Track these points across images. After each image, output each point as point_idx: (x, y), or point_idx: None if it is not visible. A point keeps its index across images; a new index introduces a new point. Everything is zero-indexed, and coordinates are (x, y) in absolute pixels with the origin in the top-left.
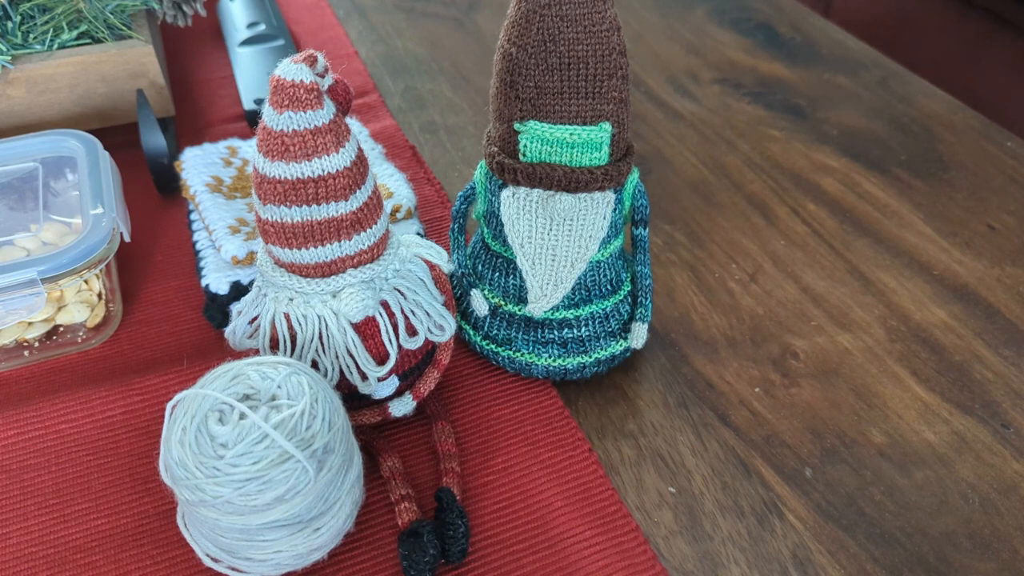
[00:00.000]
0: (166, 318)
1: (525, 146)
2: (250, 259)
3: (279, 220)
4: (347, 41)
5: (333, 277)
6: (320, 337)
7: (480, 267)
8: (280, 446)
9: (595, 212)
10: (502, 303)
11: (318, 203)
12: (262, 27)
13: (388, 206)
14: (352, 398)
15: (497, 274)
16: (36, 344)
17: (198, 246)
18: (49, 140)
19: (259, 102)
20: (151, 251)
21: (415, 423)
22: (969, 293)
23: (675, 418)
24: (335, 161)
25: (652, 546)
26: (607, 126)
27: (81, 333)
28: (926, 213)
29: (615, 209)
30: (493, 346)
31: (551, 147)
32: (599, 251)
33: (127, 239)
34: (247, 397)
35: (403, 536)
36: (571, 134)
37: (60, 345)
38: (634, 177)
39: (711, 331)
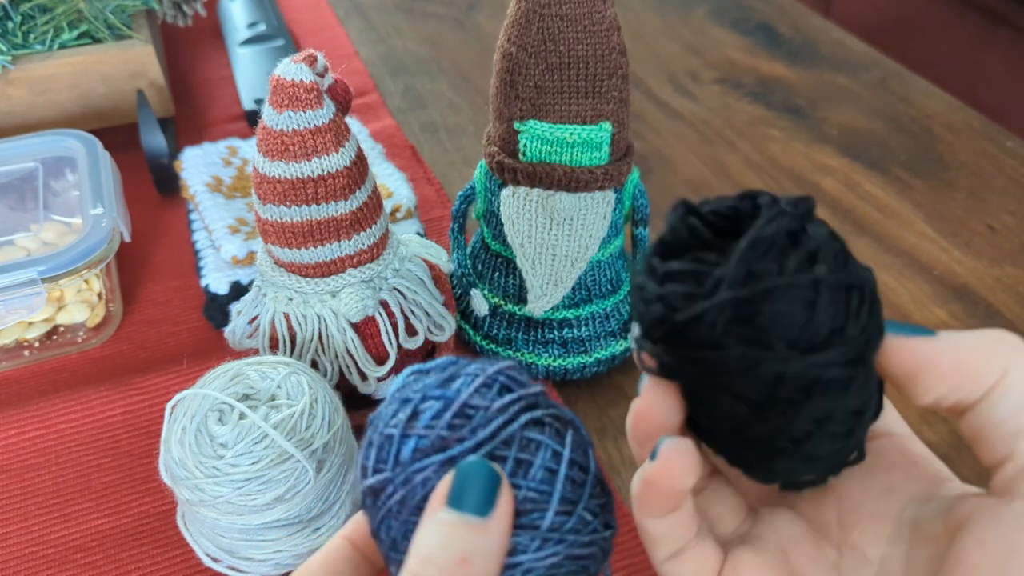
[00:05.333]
0: (166, 318)
1: (525, 146)
2: (250, 259)
3: (279, 220)
4: (347, 41)
5: (333, 277)
6: (320, 337)
7: (480, 267)
8: (280, 446)
9: (595, 212)
10: (502, 303)
11: (318, 203)
12: (262, 27)
13: (388, 206)
14: (352, 398)
15: (497, 274)
16: (36, 344)
17: (198, 246)
18: (49, 140)
19: (259, 102)
20: (151, 251)
21: None
22: (969, 293)
23: None
24: (335, 161)
25: None
26: (607, 126)
27: (81, 333)
28: (926, 213)
29: (615, 209)
30: (493, 346)
31: (551, 147)
32: (599, 251)
33: (127, 239)
34: (247, 397)
35: None
36: (571, 134)
37: (60, 345)
38: (634, 177)
39: None
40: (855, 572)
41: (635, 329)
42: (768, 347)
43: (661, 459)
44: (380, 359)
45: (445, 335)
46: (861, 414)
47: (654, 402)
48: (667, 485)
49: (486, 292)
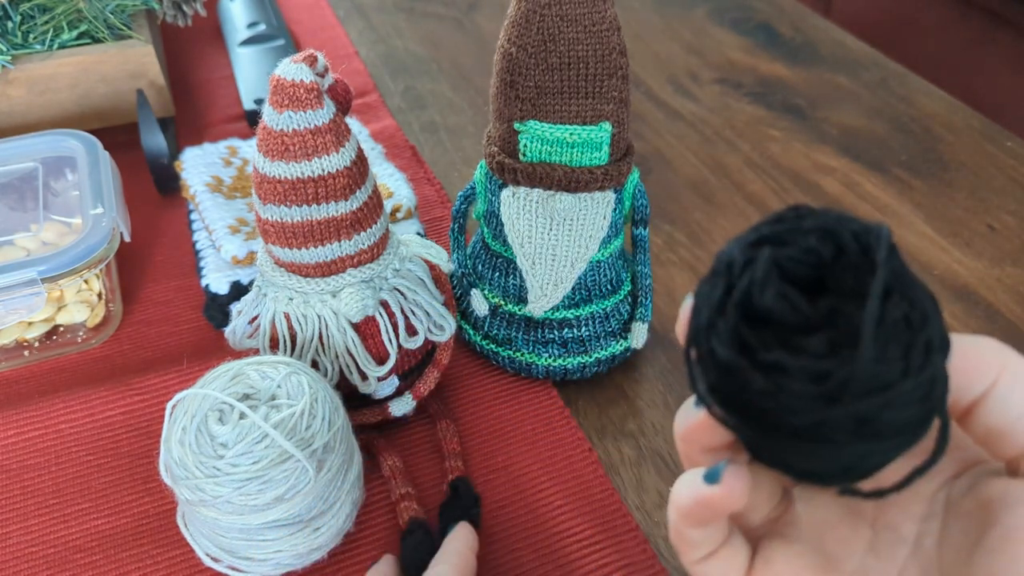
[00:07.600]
0: (166, 318)
1: (525, 146)
2: (250, 259)
3: (279, 220)
4: (347, 41)
5: (333, 277)
6: (320, 337)
7: (480, 267)
8: (280, 446)
9: (595, 212)
10: (502, 303)
11: (318, 203)
12: (262, 27)
13: (388, 206)
14: (352, 398)
15: (497, 274)
16: (36, 344)
17: (198, 246)
18: (49, 140)
19: (259, 102)
20: (151, 251)
21: (415, 423)
22: (969, 293)
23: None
24: (335, 161)
25: (652, 546)
26: (607, 126)
27: (81, 333)
28: (926, 213)
29: (615, 209)
30: (493, 346)
31: (551, 147)
32: (599, 251)
33: (127, 239)
34: (247, 397)
35: (404, 535)
36: (571, 134)
37: (60, 345)
38: (634, 177)
39: None
40: (890, 550)
41: (701, 388)
42: (880, 438)
43: (724, 485)
44: (380, 359)
45: (445, 335)
46: None
47: (713, 423)
48: (724, 508)
49: (486, 292)
